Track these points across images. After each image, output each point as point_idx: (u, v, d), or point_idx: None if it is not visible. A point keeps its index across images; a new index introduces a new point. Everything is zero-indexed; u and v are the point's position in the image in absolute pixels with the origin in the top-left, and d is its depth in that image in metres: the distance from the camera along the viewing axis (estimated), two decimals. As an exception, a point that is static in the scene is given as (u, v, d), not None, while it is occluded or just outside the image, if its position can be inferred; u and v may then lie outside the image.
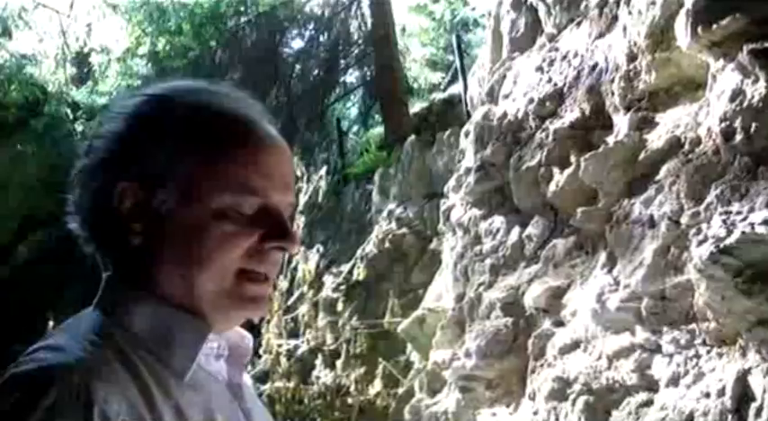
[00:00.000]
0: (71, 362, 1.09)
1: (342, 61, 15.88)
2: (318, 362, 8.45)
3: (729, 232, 3.08)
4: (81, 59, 16.70)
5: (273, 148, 1.26)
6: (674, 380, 3.40)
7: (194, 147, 1.20)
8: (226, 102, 1.26)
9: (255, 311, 1.27)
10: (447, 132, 8.61)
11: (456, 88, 11.09)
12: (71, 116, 15.17)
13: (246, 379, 1.38)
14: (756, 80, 3.40)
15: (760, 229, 2.95)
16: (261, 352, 8.67)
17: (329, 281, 9.13)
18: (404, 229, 8.54)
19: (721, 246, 3.03)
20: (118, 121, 1.25)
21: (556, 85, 5.10)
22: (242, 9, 14.89)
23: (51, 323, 8.09)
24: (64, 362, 1.09)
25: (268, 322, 8.61)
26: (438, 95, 12.86)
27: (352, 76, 16.72)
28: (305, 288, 9.19)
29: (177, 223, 1.19)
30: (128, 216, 1.20)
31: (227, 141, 1.22)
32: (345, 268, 9.04)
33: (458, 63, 9.95)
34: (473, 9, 16.86)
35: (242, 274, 1.21)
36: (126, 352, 1.15)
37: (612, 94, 4.49)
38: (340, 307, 8.57)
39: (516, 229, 5.16)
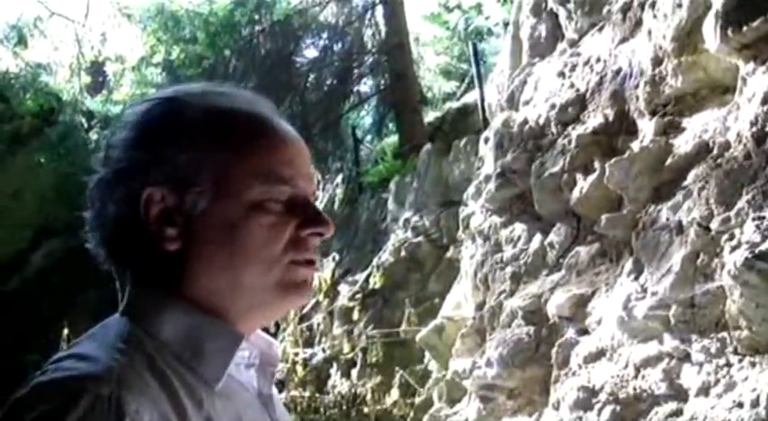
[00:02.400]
0: (101, 373, 1.03)
1: (356, 70, 15.85)
2: (334, 370, 8.39)
3: (764, 237, 3.01)
4: (96, 68, 16.76)
5: (293, 140, 1.23)
6: (705, 390, 3.32)
7: (218, 144, 1.17)
8: (238, 100, 1.23)
9: (304, 296, 1.24)
10: (463, 140, 8.56)
11: (470, 97, 11.05)
12: (86, 125, 15.21)
13: (274, 388, 1.33)
14: (788, 83, 3.34)
15: (796, 234, 2.89)
16: (277, 360, 8.62)
17: (345, 289, 9.09)
18: (420, 238, 8.49)
19: (756, 251, 2.96)
20: (132, 128, 1.20)
21: (578, 90, 5.04)
22: (256, 18, 14.87)
23: (66, 331, 8.06)
24: (93, 372, 1.03)
25: (284, 330, 8.56)
26: (452, 104, 12.83)
27: (366, 85, 16.69)
28: (320, 296, 9.15)
29: (214, 222, 1.15)
30: (159, 222, 1.14)
31: (249, 135, 1.19)
32: (361, 277, 8.99)
33: (474, 71, 9.90)
34: (487, 18, 16.81)
35: (286, 264, 1.18)
36: (156, 361, 1.10)
37: (637, 98, 4.43)
38: (356, 315, 8.52)
39: (538, 237, 5.09)
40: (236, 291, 1.16)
